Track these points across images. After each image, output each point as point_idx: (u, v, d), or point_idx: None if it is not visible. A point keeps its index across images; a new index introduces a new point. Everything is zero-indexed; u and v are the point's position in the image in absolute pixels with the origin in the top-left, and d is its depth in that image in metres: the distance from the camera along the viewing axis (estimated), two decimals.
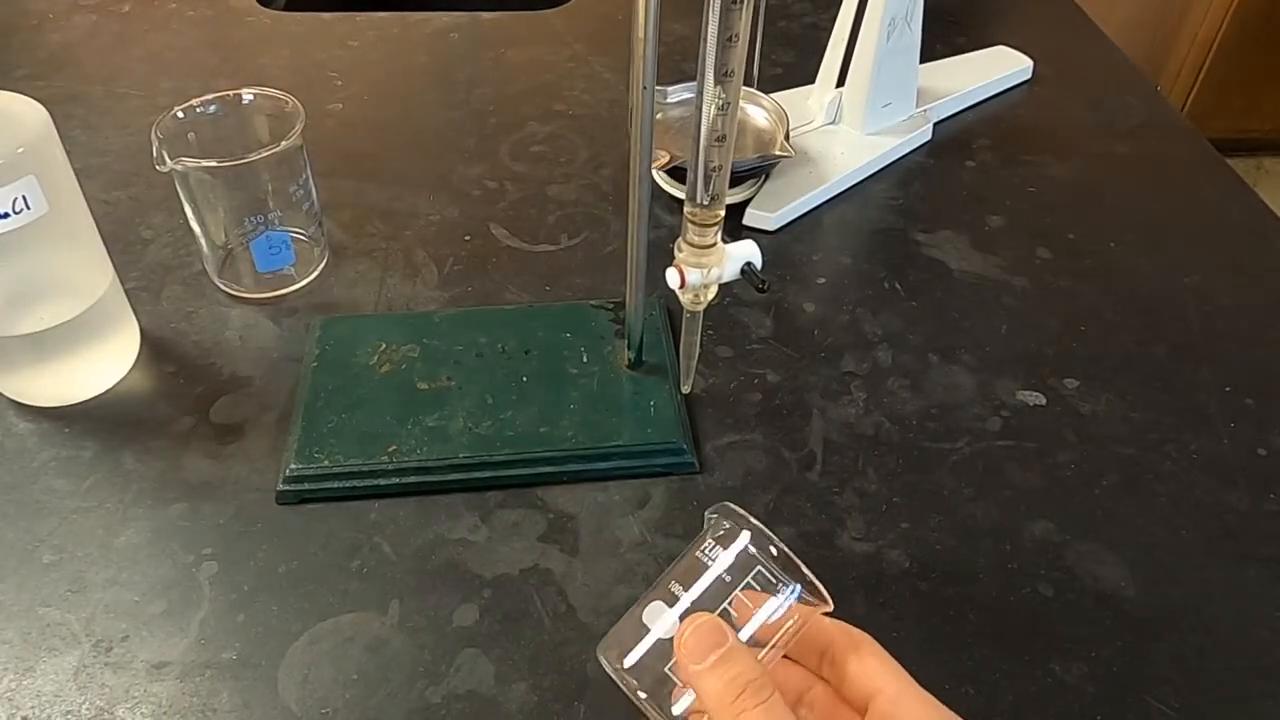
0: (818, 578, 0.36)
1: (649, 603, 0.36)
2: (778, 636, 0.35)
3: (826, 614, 0.37)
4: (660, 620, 0.35)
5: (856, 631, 0.37)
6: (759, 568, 0.36)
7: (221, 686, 0.46)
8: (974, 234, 0.74)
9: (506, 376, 0.59)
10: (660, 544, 0.52)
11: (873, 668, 0.35)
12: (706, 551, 0.36)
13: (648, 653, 0.35)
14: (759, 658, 0.35)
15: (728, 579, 0.36)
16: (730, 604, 0.35)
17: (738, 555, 0.36)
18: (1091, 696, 0.46)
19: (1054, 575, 0.51)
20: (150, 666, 0.47)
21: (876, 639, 0.36)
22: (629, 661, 0.35)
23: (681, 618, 0.35)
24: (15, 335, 0.55)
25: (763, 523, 0.36)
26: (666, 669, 0.35)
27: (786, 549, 0.36)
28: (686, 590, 0.36)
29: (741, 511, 0.37)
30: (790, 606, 0.36)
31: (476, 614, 0.49)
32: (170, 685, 0.46)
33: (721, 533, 0.37)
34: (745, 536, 0.36)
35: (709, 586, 0.36)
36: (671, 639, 0.35)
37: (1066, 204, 0.77)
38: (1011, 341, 0.65)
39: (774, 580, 0.36)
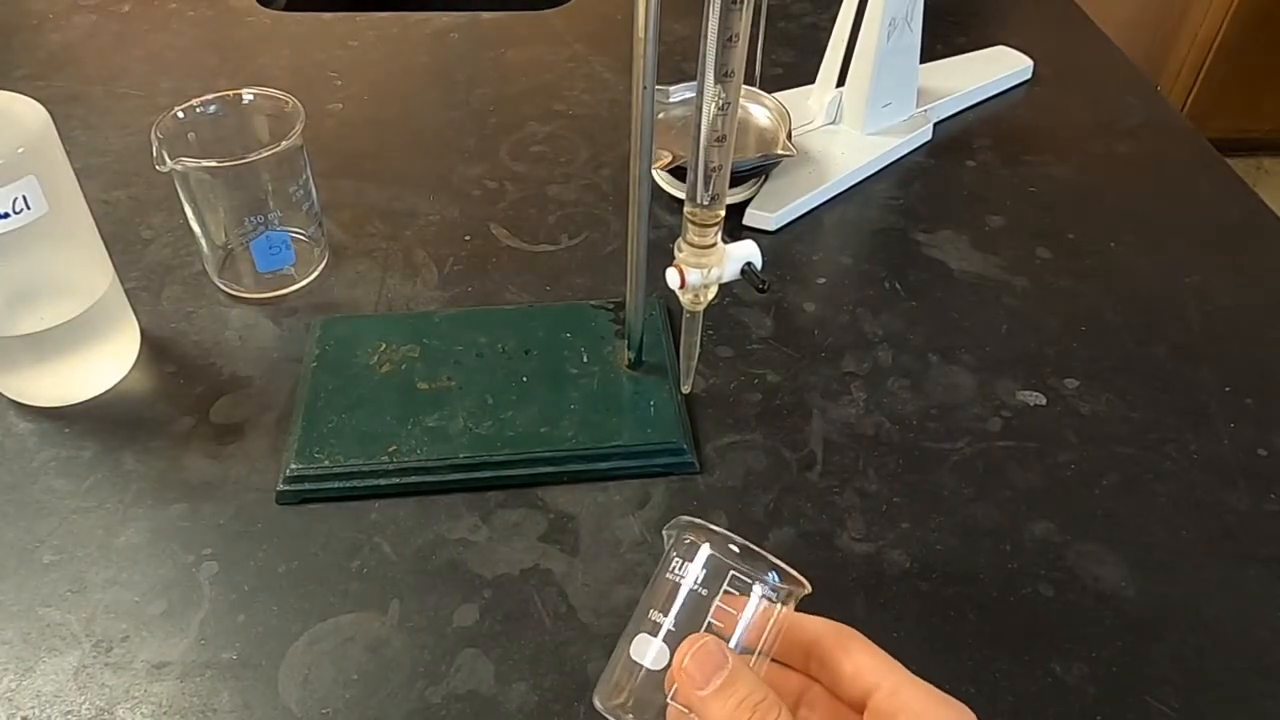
0: (818, 579, 0.36)
1: (633, 637, 0.36)
2: (764, 635, 0.35)
3: (806, 597, 0.36)
4: (648, 652, 0.35)
5: (842, 627, 0.37)
6: (731, 571, 0.35)
7: (222, 687, 0.46)
8: (974, 234, 0.74)
9: (506, 376, 0.59)
10: (660, 544, 0.52)
11: (865, 664, 0.35)
12: (675, 570, 0.36)
13: (643, 687, 0.35)
14: (752, 663, 0.34)
15: (703, 592, 0.35)
16: (713, 615, 0.35)
17: (705, 565, 0.36)
18: (1091, 696, 0.46)
19: (1054, 575, 0.51)
20: (150, 667, 0.47)
21: (876, 639, 0.36)
22: (626, 700, 0.35)
23: (668, 644, 0.35)
24: (15, 335, 0.55)
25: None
26: (670, 699, 0.34)
27: (747, 543, 0.36)
28: (665, 615, 0.35)
29: (697, 520, 0.37)
30: (769, 601, 0.35)
31: (476, 614, 0.49)
32: (170, 685, 0.46)
33: (684, 546, 0.36)
34: (707, 545, 0.36)
35: (685, 604, 0.35)
36: (663, 670, 0.34)
37: (1066, 204, 0.77)
38: (1011, 341, 0.65)
39: (747, 580, 0.35)
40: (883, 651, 0.35)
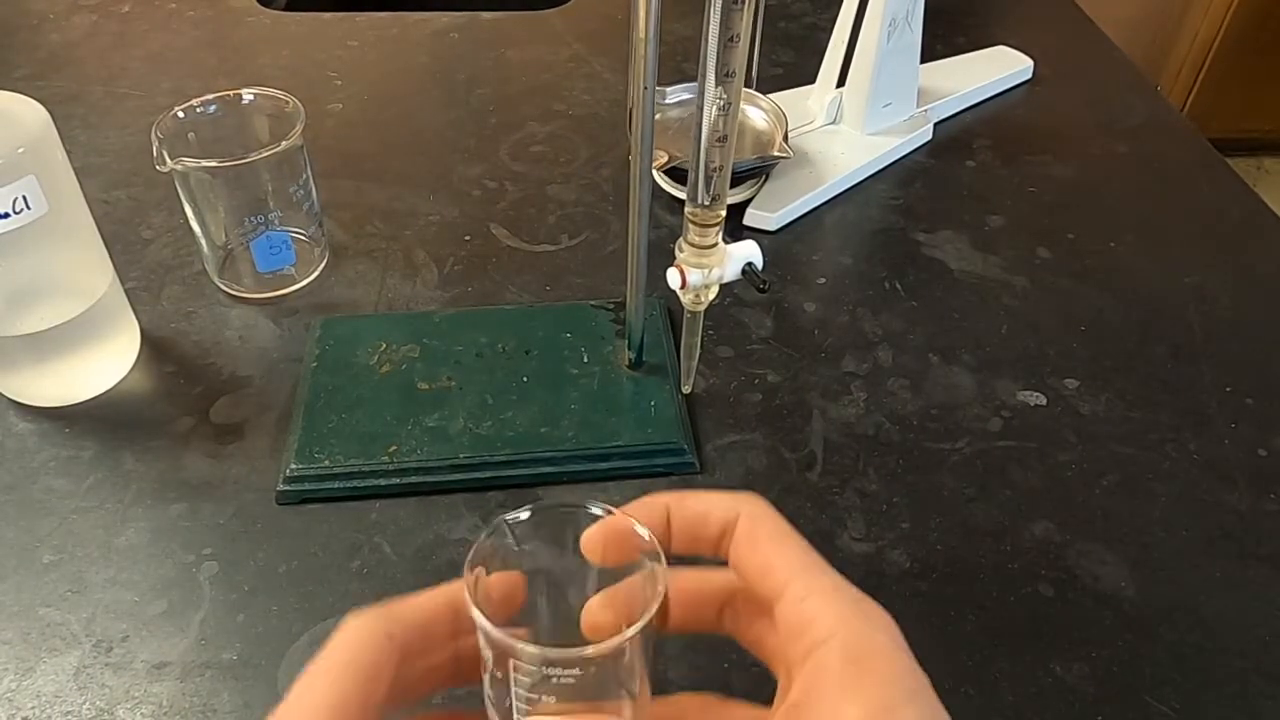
0: None
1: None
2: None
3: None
4: None
5: (747, 510, 0.30)
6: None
7: (222, 687, 0.46)
8: (974, 234, 0.74)
9: (507, 376, 0.59)
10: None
11: (773, 561, 0.28)
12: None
13: None
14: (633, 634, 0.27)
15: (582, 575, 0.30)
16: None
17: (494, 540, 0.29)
18: (1091, 696, 0.46)
19: (1054, 575, 0.51)
20: (150, 667, 0.47)
21: None
22: None
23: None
24: (15, 335, 0.55)
25: None
26: None
27: (544, 504, 0.30)
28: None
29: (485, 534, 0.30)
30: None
31: None
32: (170, 685, 0.46)
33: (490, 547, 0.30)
34: (501, 524, 0.30)
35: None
36: None
37: (1066, 204, 0.77)
38: (1011, 341, 0.65)
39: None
40: (793, 536, 0.29)
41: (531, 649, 0.27)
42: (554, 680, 0.28)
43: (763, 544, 0.29)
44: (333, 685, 0.27)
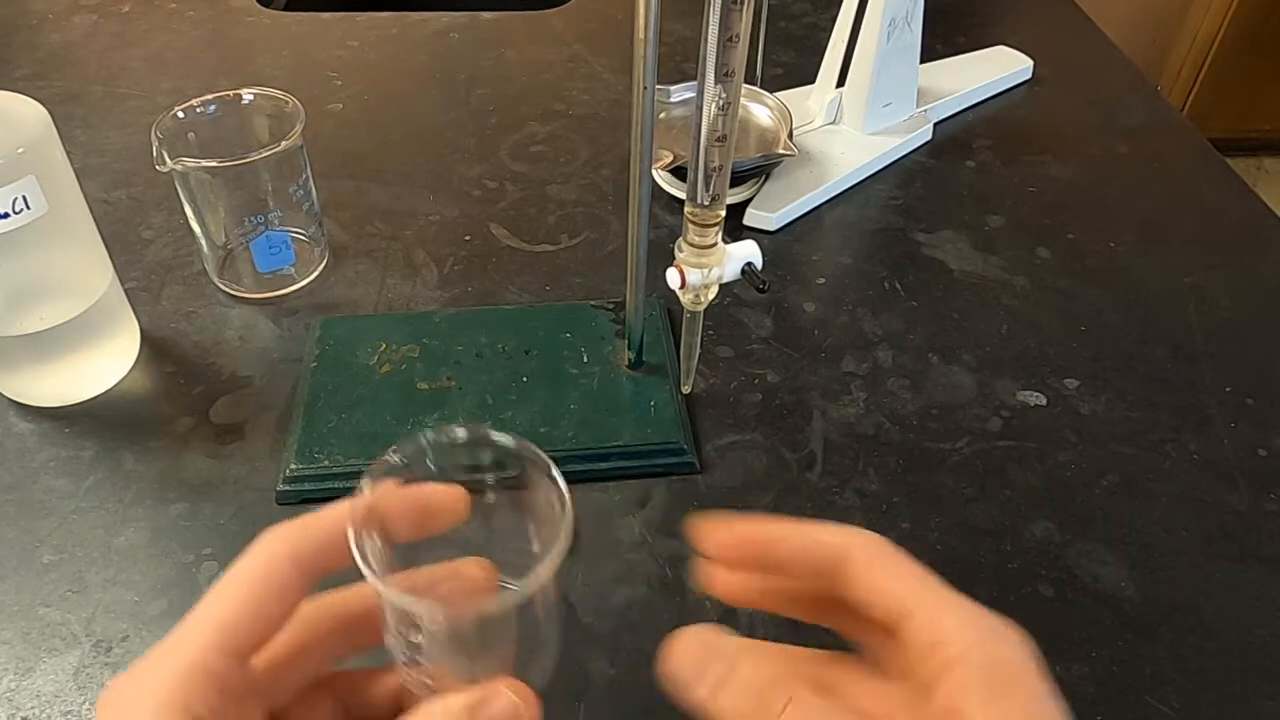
0: None
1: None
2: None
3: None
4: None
5: (860, 542, 0.30)
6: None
7: None
8: (974, 234, 0.74)
9: (506, 376, 0.59)
10: (660, 544, 0.52)
11: (892, 587, 0.29)
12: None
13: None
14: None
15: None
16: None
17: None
18: (1091, 696, 0.46)
19: (1054, 575, 0.51)
20: None
21: None
22: None
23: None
24: (15, 335, 0.55)
25: None
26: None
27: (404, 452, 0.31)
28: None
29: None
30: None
31: None
32: None
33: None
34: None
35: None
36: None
37: (1066, 204, 0.77)
38: (1011, 341, 0.65)
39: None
40: (914, 562, 0.30)
41: (406, 602, 0.29)
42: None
43: (882, 569, 0.30)
44: (229, 608, 0.30)
